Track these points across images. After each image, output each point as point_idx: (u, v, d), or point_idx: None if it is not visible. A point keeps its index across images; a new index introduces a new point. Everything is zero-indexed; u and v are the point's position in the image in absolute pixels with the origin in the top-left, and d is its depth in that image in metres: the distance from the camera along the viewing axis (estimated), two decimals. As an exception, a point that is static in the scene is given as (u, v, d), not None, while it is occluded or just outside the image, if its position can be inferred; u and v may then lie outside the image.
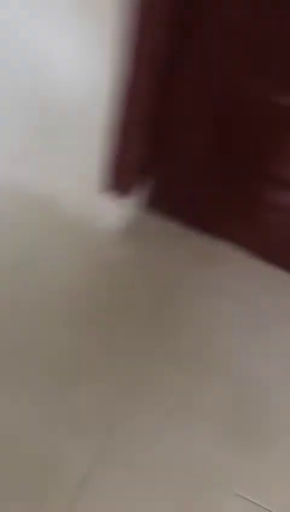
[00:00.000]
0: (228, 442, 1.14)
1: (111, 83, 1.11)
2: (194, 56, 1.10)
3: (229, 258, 1.47)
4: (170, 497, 1.07)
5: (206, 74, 1.13)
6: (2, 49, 1.18)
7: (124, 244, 1.43)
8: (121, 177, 1.26)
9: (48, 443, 1.08)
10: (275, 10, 1.00)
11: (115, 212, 1.39)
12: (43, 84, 1.20)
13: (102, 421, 1.14)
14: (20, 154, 1.36)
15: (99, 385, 1.19)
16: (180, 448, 1.13)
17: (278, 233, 1.41)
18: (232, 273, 1.44)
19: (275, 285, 1.44)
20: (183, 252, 1.46)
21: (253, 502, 1.08)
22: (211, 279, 1.43)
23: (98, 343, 1.25)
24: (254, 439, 1.17)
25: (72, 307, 1.30)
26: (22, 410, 1.11)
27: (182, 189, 1.41)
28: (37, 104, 1.24)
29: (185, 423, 1.17)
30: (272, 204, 1.34)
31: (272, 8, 1.01)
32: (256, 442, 1.16)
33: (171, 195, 1.43)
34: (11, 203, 1.43)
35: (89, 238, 1.41)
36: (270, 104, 1.13)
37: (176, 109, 1.22)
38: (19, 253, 1.37)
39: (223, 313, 1.38)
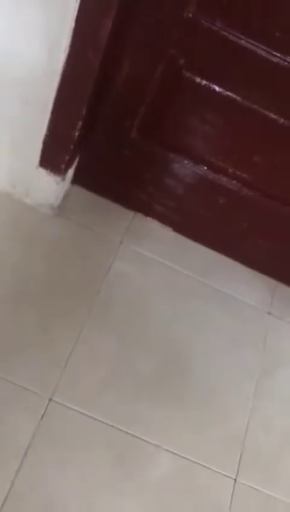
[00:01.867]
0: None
1: (52, 58, 1.10)
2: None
3: (155, 232, 1.54)
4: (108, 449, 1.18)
5: (142, 59, 1.19)
6: None
7: (54, 220, 1.44)
8: (56, 153, 1.28)
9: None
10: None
11: (47, 188, 1.38)
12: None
13: (42, 393, 1.19)
14: None
15: (36, 357, 1.22)
16: (115, 410, 1.23)
17: (191, 209, 1.50)
18: (157, 247, 1.52)
19: (198, 260, 1.54)
20: (113, 227, 1.50)
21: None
22: (140, 254, 1.49)
23: (32, 317, 1.27)
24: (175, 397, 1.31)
25: (4, 283, 1.30)
26: None
27: (105, 167, 1.45)
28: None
29: (119, 386, 1.26)
30: (185, 181, 1.42)
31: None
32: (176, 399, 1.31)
33: (95, 171, 1.47)
34: None
35: (20, 214, 1.41)
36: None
37: (111, 91, 1.26)
38: None
39: (153, 284, 1.45)
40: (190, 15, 1.10)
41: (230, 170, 1.36)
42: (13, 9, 1.06)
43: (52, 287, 1.34)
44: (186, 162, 1.37)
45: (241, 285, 1.55)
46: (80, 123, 1.20)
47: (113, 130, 1.34)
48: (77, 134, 1.22)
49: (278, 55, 1.11)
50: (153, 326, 1.39)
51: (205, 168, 1.37)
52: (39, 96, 1.18)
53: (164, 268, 1.49)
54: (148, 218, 1.55)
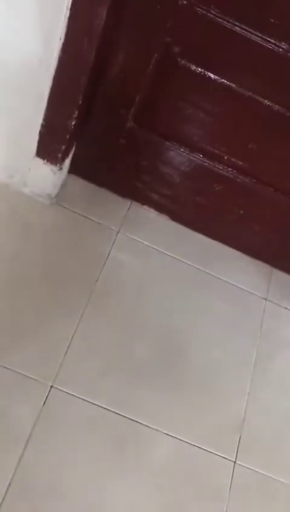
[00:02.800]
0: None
1: (47, 48, 1.10)
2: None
3: (151, 221, 1.55)
4: (109, 434, 1.21)
5: (137, 48, 1.19)
6: None
7: (52, 209, 1.45)
8: (53, 143, 1.29)
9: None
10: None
11: (44, 178, 1.39)
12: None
13: (43, 380, 1.21)
14: None
15: (37, 345, 1.24)
16: (115, 396, 1.25)
17: (187, 197, 1.50)
18: (154, 235, 1.53)
19: (195, 248, 1.56)
20: (110, 216, 1.51)
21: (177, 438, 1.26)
22: (137, 242, 1.50)
23: (31, 306, 1.29)
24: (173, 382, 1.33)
25: (3, 273, 1.31)
26: None
27: (101, 156, 1.46)
28: None
29: (119, 372, 1.28)
30: (181, 169, 1.43)
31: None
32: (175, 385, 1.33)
33: (92, 161, 1.47)
34: None
35: (18, 204, 1.41)
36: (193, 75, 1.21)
37: (107, 80, 1.26)
38: None
39: (151, 272, 1.47)
40: (185, 2, 1.10)
41: (226, 157, 1.37)
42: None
43: (50, 276, 1.35)
44: (182, 150, 1.38)
45: (238, 271, 1.57)
46: (76, 112, 1.20)
47: (109, 119, 1.35)
48: (73, 123, 1.22)
49: (273, 41, 1.11)
50: (151, 313, 1.40)
51: (201, 155, 1.38)
52: (35, 86, 1.18)
53: (161, 256, 1.50)
54: (145, 207, 1.56)
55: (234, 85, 1.21)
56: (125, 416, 1.23)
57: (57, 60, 1.11)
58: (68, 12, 1.02)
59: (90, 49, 1.08)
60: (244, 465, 1.28)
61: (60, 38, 1.07)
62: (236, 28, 1.11)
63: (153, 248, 1.51)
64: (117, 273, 1.43)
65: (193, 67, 1.21)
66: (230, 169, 1.39)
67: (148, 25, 1.15)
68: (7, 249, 1.35)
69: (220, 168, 1.39)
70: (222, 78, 1.21)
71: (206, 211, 1.52)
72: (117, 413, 1.23)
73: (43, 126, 1.25)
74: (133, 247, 1.49)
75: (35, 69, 1.15)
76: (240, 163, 1.37)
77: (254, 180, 1.40)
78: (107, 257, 1.44)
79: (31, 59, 1.13)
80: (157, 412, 1.27)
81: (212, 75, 1.21)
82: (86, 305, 1.34)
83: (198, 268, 1.52)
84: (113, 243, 1.47)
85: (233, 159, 1.37)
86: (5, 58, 1.15)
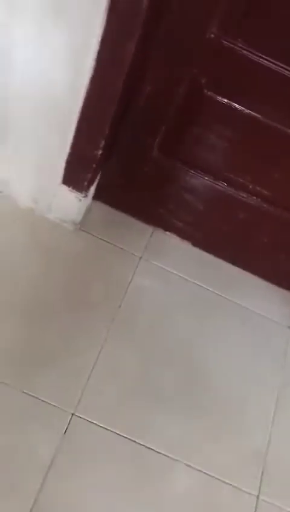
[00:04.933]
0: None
1: (77, 80, 1.12)
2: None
3: (174, 248, 1.55)
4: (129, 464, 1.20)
5: (164, 79, 1.21)
6: None
7: (76, 235, 1.46)
8: (79, 172, 1.31)
9: (13, 433, 1.14)
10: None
11: (69, 204, 1.40)
12: (4, 78, 1.16)
13: (65, 408, 1.21)
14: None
15: (59, 372, 1.24)
16: (136, 424, 1.24)
17: (211, 225, 1.52)
18: (177, 262, 1.53)
19: (218, 275, 1.56)
20: (133, 242, 1.51)
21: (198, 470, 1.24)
22: (160, 269, 1.50)
23: (54, 331, 1.29)
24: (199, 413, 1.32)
25: (27, 298, 1.32)
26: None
27: (126, 183, 1.47)
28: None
29: (141, 400, 1.28)
30: (205, 197, 1.44)
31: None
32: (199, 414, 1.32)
33: (116, 188, 1.49)
34: None
35: (43, 230, 1.43)
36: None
37: (133, 110, 1.27)
38: None
39: (173, 299, 1.46)
40: (212, 35, 1.11)
41: (250, 186, 1.37)
42: (39, 34, 1.08)
43: (74, 302, 1.36)
44: (206, 178, 1.39)
45: (261, 299, 1.56)
46: (103, 142, 1.22)
47: (135, 147, 1.36)
48: (99, 153, 1.24)
49: (299, 74, 1.12)
50: (174, 340, 1.40)
51: (225, 184, 1.38)
52: (63, 116, 1.20)
53: (184, 283, 1.50)
54: (168, 233, 1.56)
55: (259, 116, 1.22)
56: (146, 446, 1.22)
57: (85, 92, 1.13)
58: (98, 46, 1.04)
59: (118, 81, 1.10)
60: (268, 500, 1.25)
61: (89, 72, 1.09)
62: (263, 60, 1.12)
63: (176, 274, 1.51)
64: (139, 300, 1.42)
65: (219, 98, 1.22)
66: (254, 197, 1.39)
67: (175, 57, 1.17)
68: (30, 273, 1.36)
69: (244, 196, 1.39)
70: (248, 109, 1.21)
71: (230, 238, 1.52)
72: (138, 443, 1.22)
73: (70, 155, 1.27)
74: (155, 274, 1.49)
75: (65, 100, 1.17)
76: (265, 192, 1.37)
77: (279, 209, 1.39)
78: (130, 283, 1.44)
79: (61, 91, 1.15)
80: (178, 442, 1.25)
81: (238, 106, 1.22)
82: (108, 331, 1.34)
83: (221, 296, 1.51)
84: (136, 269, 1.47)
85: (258, 188, 1.37)
86: (35, 90, 1.17)
